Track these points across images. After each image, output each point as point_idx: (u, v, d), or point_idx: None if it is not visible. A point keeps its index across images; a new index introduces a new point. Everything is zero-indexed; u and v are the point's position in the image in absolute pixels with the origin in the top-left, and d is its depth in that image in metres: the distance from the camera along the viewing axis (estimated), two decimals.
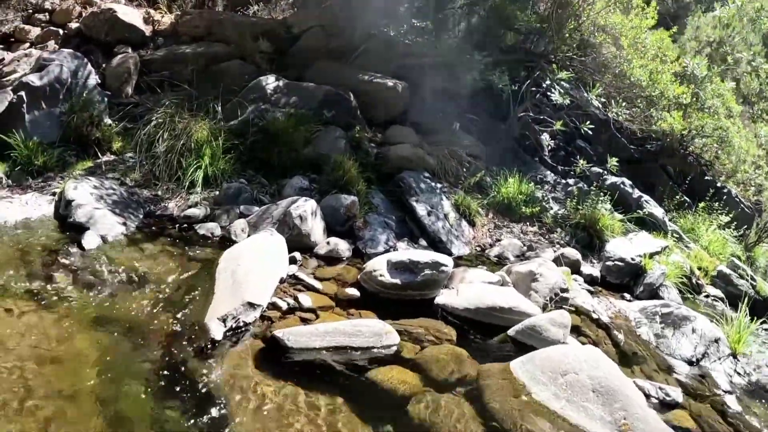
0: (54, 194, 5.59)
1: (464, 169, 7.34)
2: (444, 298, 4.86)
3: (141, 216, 5.55)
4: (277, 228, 5.31)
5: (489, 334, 4.66)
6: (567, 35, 7.96)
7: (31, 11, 8.64)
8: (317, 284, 4.72)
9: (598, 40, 8.12)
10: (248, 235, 5.33)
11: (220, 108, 6.48)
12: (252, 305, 3.97)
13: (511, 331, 4.62)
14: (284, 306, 4.28)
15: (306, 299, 4.41)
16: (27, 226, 5.09)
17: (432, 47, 7.71)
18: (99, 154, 6.36)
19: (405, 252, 5.03)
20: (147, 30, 7.79)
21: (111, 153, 6.47)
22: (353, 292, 4.73)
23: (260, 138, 6.31)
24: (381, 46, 7.91)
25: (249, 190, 5.98)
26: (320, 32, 7.99)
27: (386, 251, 5.73)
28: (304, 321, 4.19)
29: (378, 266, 4.77)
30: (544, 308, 5.14)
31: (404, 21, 7.77)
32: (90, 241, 4.89)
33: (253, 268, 4.32)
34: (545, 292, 5.35)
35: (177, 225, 5.52)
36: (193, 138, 6.11)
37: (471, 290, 4.91)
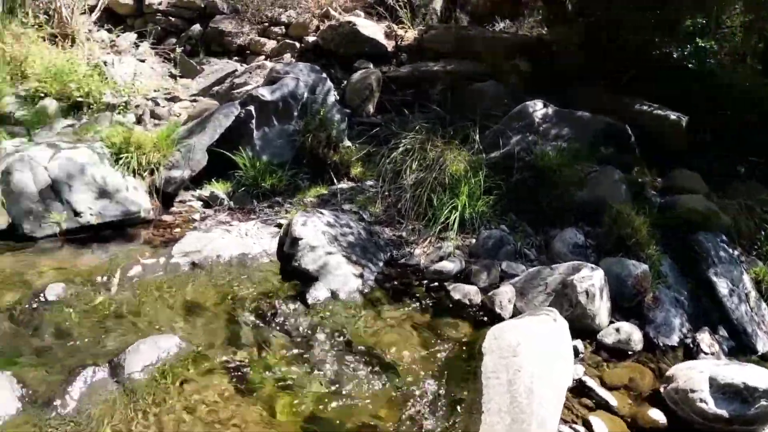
0: (279, 226, 4.52)
1: (762, 231, 5.29)
2: None
3: (381, 264, 4.31)
4: (552, 301, 3.81)
5: None
6: None
7: (266, 24, 8.03)
8: (611, 399, 3.18)
9: None
10: (514, 306, 3.85)
11: (477, 136, 5.07)
12: None
13: None
14: None
15: (601, 428, 2.90)
16: (242, 265, 4.03)
17: (726, 73, 5.74)
18: (335, 179, 5.29)
19: (735, 369, 3.24)
20: (389, 45, 6.72)
21: (348, 179, 5.39)
22: (657, 416, 3.15)
23: (526, 176, 4.81)
24: (654, 69, 6.08)
25: (512, 241, 4.52)
26: (576, 51, 6.34)
27: (680, 342, 4.03)
28: None
29: (697, 385, 3.11)
30: None
31: (687, 40, 5.88)
32: (318, 296, 3.74)
33: (537, 376, 2.81)
34: None
35: (425, 281, 4.18)
36: (448, 171, 4.78)
37: None
